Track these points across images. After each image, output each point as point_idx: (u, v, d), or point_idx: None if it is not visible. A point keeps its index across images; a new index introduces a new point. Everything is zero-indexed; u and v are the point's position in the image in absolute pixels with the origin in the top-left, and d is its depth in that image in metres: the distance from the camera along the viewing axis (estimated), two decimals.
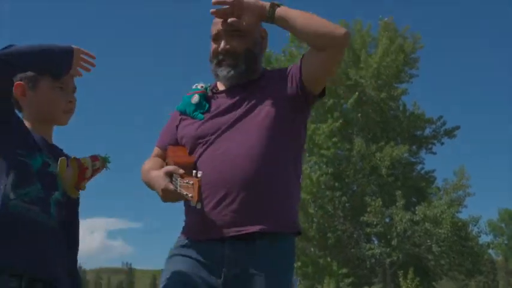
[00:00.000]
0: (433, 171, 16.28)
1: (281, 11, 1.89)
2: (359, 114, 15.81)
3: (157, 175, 1.86)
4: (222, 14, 1.92)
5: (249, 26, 1.92)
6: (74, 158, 1.89)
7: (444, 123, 16.35)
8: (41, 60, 1.79)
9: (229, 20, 1.91)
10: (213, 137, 1.91)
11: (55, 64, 1.83)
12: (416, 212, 14.37)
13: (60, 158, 1.84)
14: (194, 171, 1.69)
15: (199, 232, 1.87)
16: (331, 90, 15.65)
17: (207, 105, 2.00)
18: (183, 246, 1.90)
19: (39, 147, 1.85)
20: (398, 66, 15.76)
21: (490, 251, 17.84)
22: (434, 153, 16.51)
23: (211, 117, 1.95)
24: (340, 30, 1.84)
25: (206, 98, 2.03)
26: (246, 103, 1.94)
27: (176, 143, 2.03)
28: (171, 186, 1.80)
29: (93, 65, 1.93)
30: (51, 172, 1.84)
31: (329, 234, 14.70)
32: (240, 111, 1.93)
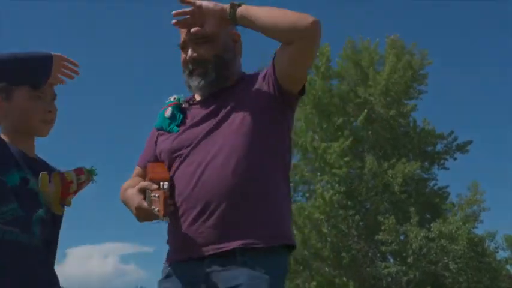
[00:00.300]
0: (447, 187, 16.10)
1: (242, 10, 1.79)
2: (369, 132, 15.73)
3: (132, 193, 1.77)
4: (184, 24, 1.86)
5: (213, 31, 1.83)
6: (57, 172, 1.78)
7: (456, 139, 16.23)
8: (16, 69, 1.68)
9: (192, 29, 1.83)
10: (188, 149, 1.81)
11: (32, 73, 1.72)
12: (432, 229, 14.18)
13: (41, 173, 1.72)
14: (161, 183, 1.60)
15: (180, 251, 1.76)
16: (340, 108, 15.63)
17: (182, 117, 1.91)
18: (166, 276, 1.80)
19: (16, 162, 1.72)
20: (407, 83, 15.71)
21: (508, 266, 17.49)
22: (447, 169, 16.36)
23: (186, 129, 1.86)
24: (307, 19, 1.72)
25: (181, 109, 1.93)
26: (221, 111, 1.83)
27: (156, 160, 1.93)
28: (145, 204, 1.70)
29: (76, 73, 1.83)
30: (31, 189, 1.72)
31: (343, 254, 14.51)
32: (215, 120, 1.83)
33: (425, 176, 16.07)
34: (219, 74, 1.87)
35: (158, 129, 1.96)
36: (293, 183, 16.06)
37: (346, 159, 14.56)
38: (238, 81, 1.91)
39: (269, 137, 1.82)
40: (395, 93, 15.65)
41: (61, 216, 1.83)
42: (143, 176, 1.95)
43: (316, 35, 1.74)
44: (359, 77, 16.06)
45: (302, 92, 1.86)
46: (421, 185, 15.69)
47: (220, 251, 1.69)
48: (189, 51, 1.87)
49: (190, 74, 1.89)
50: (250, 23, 1.78)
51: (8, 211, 1.65)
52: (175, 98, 1.97)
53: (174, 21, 1.85)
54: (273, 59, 1.83)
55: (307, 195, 16.07)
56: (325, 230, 14.47)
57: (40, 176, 1.71)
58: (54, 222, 1.79)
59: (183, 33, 1.90)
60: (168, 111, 1.93)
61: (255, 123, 1.80)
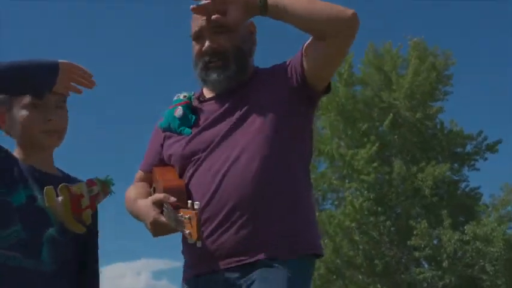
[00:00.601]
0: (479, 187, 15.79)
1: None
2: (396, 136, 15.55)
3: (145, 205, 1.61)
4: (204, 10, 1.66)
5: (236, 21, 1.64)
6: (64, 185, 1.58)
7: (485, 138, 15.92)
8: (16, 79, 1.51)
9: (214, 16, 1.64)
10: (204, 153, 1.65)
11: (33, 82, 1.55)
12: (466, 232, 13.92)
13: (45, 188, 1.54)
14: (190, 202, 1.44)
15: (197, 265, 1.64)
16: (365, 113, 15.50)
17: (194, 118, 1.73)
18: None
19: (25, 179, 1.59)
20: (432, 84, 15.50)
21: None
22: (478, 170, 16.06)
23: (200, 131, 1.69)
24: (346, 12, 1.59)
25: (191, 109, 1.75)
26: (239, 109, 1.68)
27: (162, 163, 1.76)
28: (162, 219, 1.55)
29: (92, 82, 1.63)
30: (38, 206, 1.57)
31: (376, 261, 14.32)
32: (232, 119, 1.67)
33: (456, 178, 15.80)
34: (239, 66, 1.71)
35: (165, 130, 1.78)
36: (321, 192, 15.95)
37: (374, 164, 14.40)
38: (253, 75, 1.76)
39: (294, 137, 1.69)
40: (420, 95, 15.46)
41: (92, 235, 1.70)
42: (148, 182, 1.81)
43: (356, 29, 1.61)
44: (382, 81, 15.90)
45: (327, 89, 1.74)
46: (452, 187, 15.43)
47: (242, 263, 1.58)
48: (207, 42, 1.70)
49: (206, 66, 1.71)
50: (282, 13, 1.61)
51: (11, 233, 1.52)
52: (185, 96, 1.79)
53: (192, 6, 1.66)
54: (301, 53, 1.69)
55: (337, 203, 15.93)
56: (356, 238, 14.30)
57: (44, 190, 1.54)
58: (77, 240, 1.64)
59: (197, 21, 1.71)
60: (179, 111, 1.74)
61: (278, 122, 1.65)
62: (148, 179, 1.81)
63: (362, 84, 16.02)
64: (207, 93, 1.79)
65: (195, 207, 1.42)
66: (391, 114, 14.90)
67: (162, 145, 1.79)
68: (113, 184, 1.68)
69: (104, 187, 1.67)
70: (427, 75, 15.32)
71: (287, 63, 1.74)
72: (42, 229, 1.58)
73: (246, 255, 1.58)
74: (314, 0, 1.64)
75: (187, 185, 1.66)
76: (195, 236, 1.39)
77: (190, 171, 1.67)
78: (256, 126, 1.65)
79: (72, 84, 1.61)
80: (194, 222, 1.39)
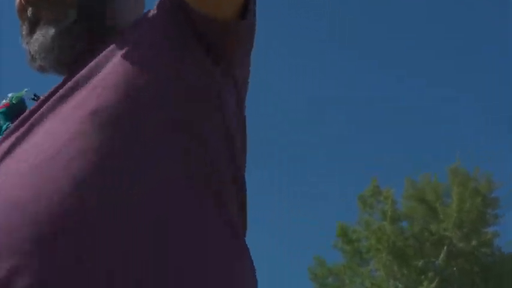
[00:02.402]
0: None
1: None
2: (454, 269, 14.76)
3: None
4: None
5: None
6: None
7: None
8: None
9: None
10: None
11: None
12: None
13: None
14: None
15: None
16: (416, 249, 14.87)
17: (5, 126, 0.96)
18: None
19: None
20: (479, 209, 15.01)
21: None
22: None
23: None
24: None
25: (14, 114, 0.96)
26: (65, 87, 0.86)
27: None
28: None
29: None
30: None
31: None
32: (48, 106, 0.85)
33: None
34: (84, 10, 0.92)
35: None
36: None
37: None
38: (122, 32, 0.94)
39: (169, 120, 0.83)
40: (471, 223, 14.90)
41: None
42: None
43: None
44: (427, 213, 15.48)
45: (244, 13, 0.88)
46: None
47: None
48: None
49: (33, 27, 0.94)
50: None
51: None
52: (10, 98, 1.01)
53: None
54: None
55: None
56: None
57: None
58: None
59: None
60: None
61: (127, 89, 0.82)
62: None
63: (407, 219, 15.57)
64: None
65: None
66: (445, 247, 14.26)
67: None
68: None
69: None
70: (472, 201, 14.89)
71: None
72: None
73: None
74: None
75: None
76: None
77: None
78: (76, 102, 0.83)
79: None
80: None
